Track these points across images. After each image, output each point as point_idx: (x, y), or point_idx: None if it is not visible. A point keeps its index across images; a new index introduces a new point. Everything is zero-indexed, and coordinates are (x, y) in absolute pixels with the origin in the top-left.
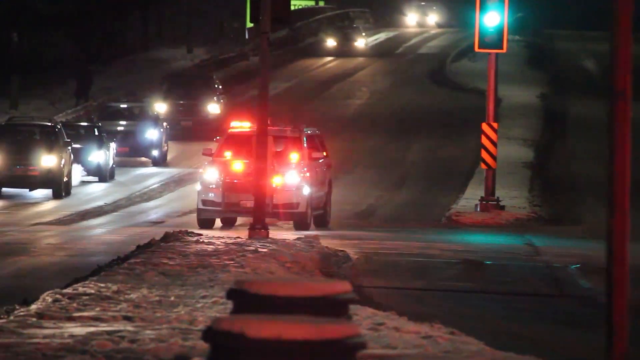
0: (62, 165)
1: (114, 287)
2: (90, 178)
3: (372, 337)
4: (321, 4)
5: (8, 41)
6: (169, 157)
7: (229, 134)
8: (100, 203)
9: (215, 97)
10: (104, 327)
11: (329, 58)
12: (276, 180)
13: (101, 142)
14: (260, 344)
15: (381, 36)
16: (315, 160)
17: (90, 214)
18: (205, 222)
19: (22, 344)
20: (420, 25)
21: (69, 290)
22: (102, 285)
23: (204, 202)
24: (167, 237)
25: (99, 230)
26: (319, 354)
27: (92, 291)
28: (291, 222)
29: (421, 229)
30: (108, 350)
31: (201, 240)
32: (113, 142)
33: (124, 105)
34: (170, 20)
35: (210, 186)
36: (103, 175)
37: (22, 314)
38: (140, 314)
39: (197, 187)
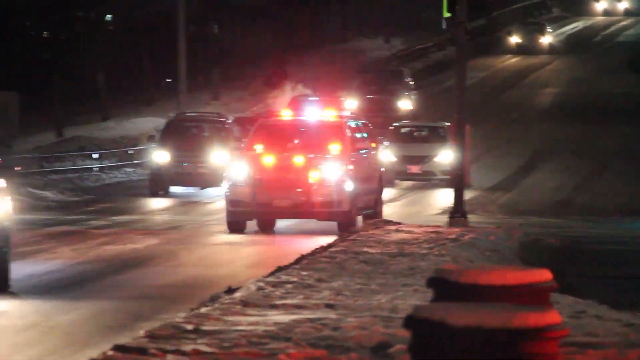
0: None
1: (316, 276)
2: None
3: (573, 325)
4: None
5: (209, 34)
6: None
7: (260, 123)
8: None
9: (406, 92)
10: (306, 315)
11: (520, 52)
12: (313, 175)
13: None
14: (461, 331)
15: (579, 24)
16: (361, 152)
17: None
18: (235, 225)
19: (227, 331)
20: (608, 12)
21: (272, 278)
22: (305, 273)
23: (232, 202)
24: (367, 226)
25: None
26: (520, 342)
27: (295, 279)
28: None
29: (621, 218)
30: (311, 337)
31: (401, 229)
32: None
33: (312, 99)
34: (369, 10)
35: (239, 184)
36: None
37: (227, 301)
38: (342, 301)
39: (224, 185)
